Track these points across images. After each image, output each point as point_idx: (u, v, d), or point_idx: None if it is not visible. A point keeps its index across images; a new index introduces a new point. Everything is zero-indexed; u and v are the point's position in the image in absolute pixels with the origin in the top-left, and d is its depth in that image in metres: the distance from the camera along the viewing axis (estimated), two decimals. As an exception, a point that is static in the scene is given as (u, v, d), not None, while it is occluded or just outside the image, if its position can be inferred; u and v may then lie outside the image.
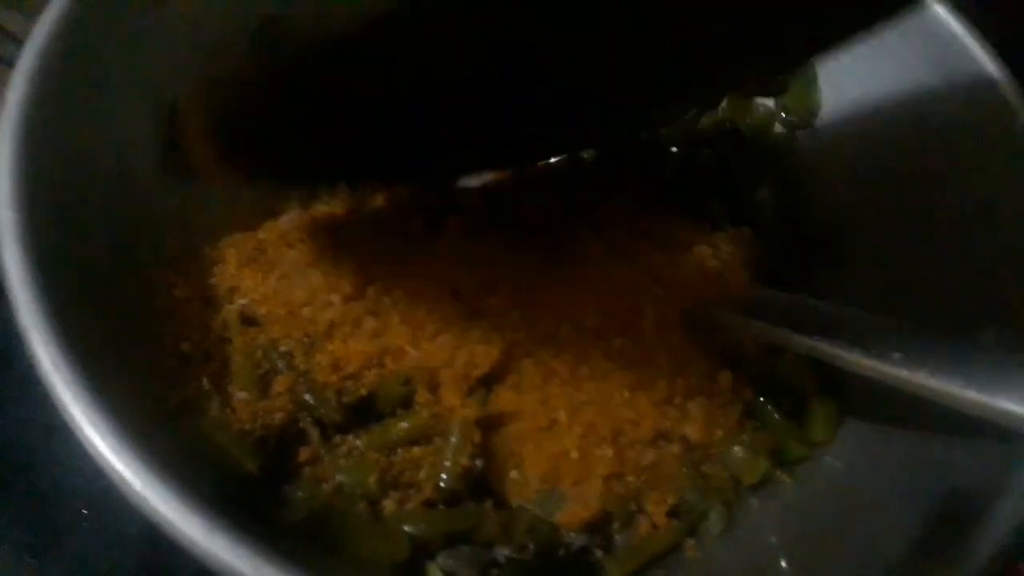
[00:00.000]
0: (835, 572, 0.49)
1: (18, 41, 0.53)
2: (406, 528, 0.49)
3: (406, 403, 0.53)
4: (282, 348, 0.52)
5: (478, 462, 0.52)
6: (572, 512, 0.52)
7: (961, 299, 0.56)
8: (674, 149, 0.72)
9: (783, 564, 0.52)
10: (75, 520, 0.64)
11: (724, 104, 0.74)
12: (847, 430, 0.58)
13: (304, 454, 0.51)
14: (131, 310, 0.50)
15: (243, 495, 0.45)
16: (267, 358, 0.52)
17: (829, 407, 0.59)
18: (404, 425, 0.52)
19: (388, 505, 0.50)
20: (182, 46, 0.57)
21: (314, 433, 0.51)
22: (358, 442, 0.52)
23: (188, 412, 0.48)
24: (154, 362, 0.49)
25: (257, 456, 0.48)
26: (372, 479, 0.50)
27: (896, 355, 0.45)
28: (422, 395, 0.53)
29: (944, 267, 0.59)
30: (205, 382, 0.50)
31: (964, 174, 0.59)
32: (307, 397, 0.51)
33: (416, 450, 0.52)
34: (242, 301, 0.53)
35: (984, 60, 0.59)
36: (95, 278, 0.47)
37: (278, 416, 0.50)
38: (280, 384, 0.51)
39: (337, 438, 0.52)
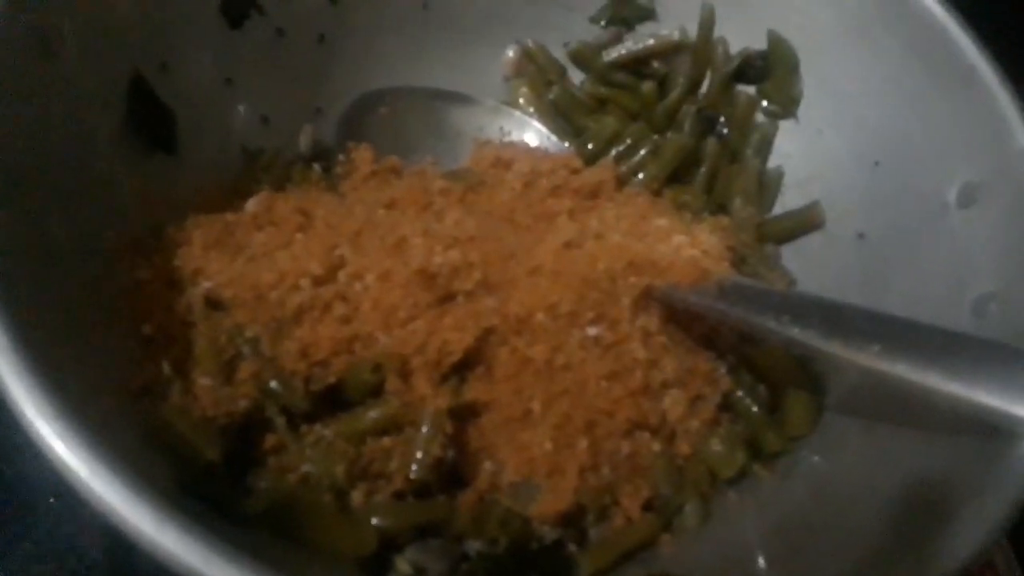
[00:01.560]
0: (812, 566, 0.48)
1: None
2: (374, 520, 0.48)
3: (376, 391, 0.51)
4: (248, 333, 0.50)
5: (450, 453, 0.50)
6: (546, 504, 0.51)
7: (942, 285, 0.55)
8: (655, 136, 0.71)
9: (760, 559, 0.52)
10: (43, 509, 0.63)
11: (705, 91, 0.73)
12: (825, 424, 0.58)
13: (269, 442, 0.49)
14: (91, 292, 0.48)
15: (203, 484, 0.43)
16: (232, 343, 0.50)
17: (807, 400, 0.58)
18: (374, 414, 0.51)
19: (356, 496, 0.49)
20: (145, 15, 0.55)
21: (280, 421, 0.49)
22: (326, 431, 0.50)
23: (148, 397, 0.46)
24: (114, 346, 0.47)
25: (219, 444, 0.46)
26: (340, 469, 0.48)
27: (875, 347, 0.44)
28: (393, 383, 0.51)
29: (925, 254, 0.58)
30: (166, 367, 0.48)
31: (946, 160, 0.58)
32: (273, 384, 0.49)
33: (386, 440, 0.50)
34: (207, 284, 0.51)
35: (968, 48, 0.58)
36: (52, 259, 0.45)
37: (242, 403, 0.48)
38: (245, 370, 0.49)
39: (304, 427, 0.50)
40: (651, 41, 0.72)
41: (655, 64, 0.73)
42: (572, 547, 0.52)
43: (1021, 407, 0.39)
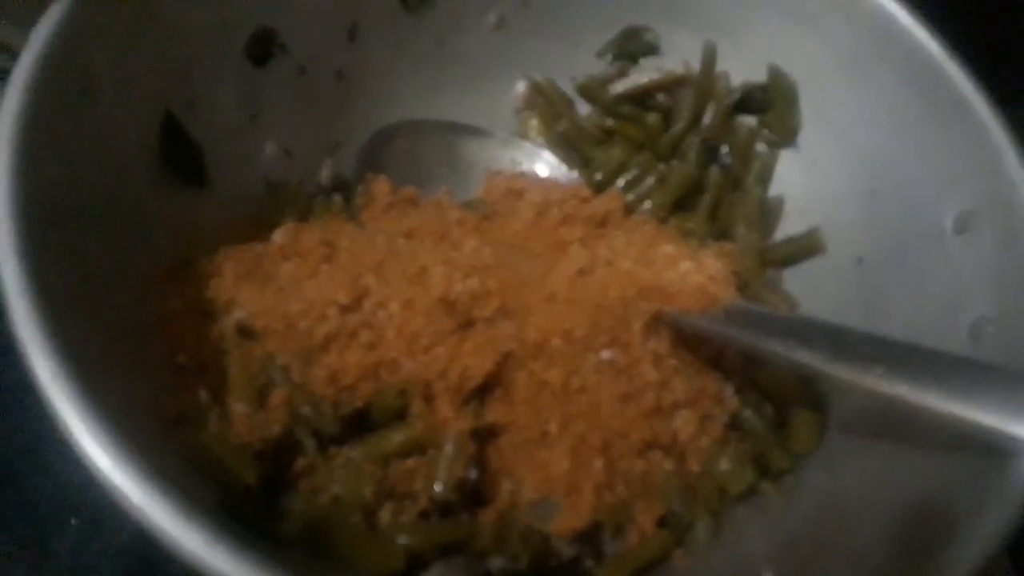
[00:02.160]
0: (822, 578, 0.49)
1: (12, 52, 0.53)
2: (401, 539, 0.50)
3: (401, 414, 0.54)
4: (279, 361, 0.53)
5: (472, 473, 0.52)
6: (564, 522, 0.53)
7: (940, 309, 0.58)
8: (661, 166, 0.74)
9: (768, 573, 0.54)
10: (64, 530, 0.64)
11: (708, 122, 0.75)
12: (830, 441, 0.60)
13: (300, 464, 0.51)
14: (128, 322, 0.50)
15: (241, 507, 0.44)
16: (264, 371, 0.52)
17: (812, 418, 0.60)
18: (399, 436, 0.53)
19: (383, 516, 0.51)
20: (174, 56, 0.58)
21: (310, 444, 0.51)
22: (354, 453, 0.52)
23: (186, 424, 0.48)
24: (151, 374, 0.49)
25: (255, 468, 0.48)
26: (368, 490, 0.50)
27: (878, 369, 0.46)
28: (417, 406, 0.53)
29: (923, 279, 0.60)
30: (203, 394, 0.50)
31: (942, 188, 0.60)
32: (304, 409, 0.52)
33: (411, 461, 0.53)
34: (239, 314, 0.54)
35: (961, 81, 0.60)
36: (92, 289, 0.47)
37: (275, 428, 0.51)
38: (277, 396, 0.51)
39: (333, 449, 0.53)
40: (655, 75, 0.75)
41: (659, 97, 0.76)
42: (589, 563, 0.54)
43: (1016, 426, 0.41)
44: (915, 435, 0.52)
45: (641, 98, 0.76)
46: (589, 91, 0.77)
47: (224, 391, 0.51)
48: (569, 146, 0.76)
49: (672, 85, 0.75)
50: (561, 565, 0.53)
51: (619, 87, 0.76)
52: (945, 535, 0.43)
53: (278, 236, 0.59)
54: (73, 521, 0.64)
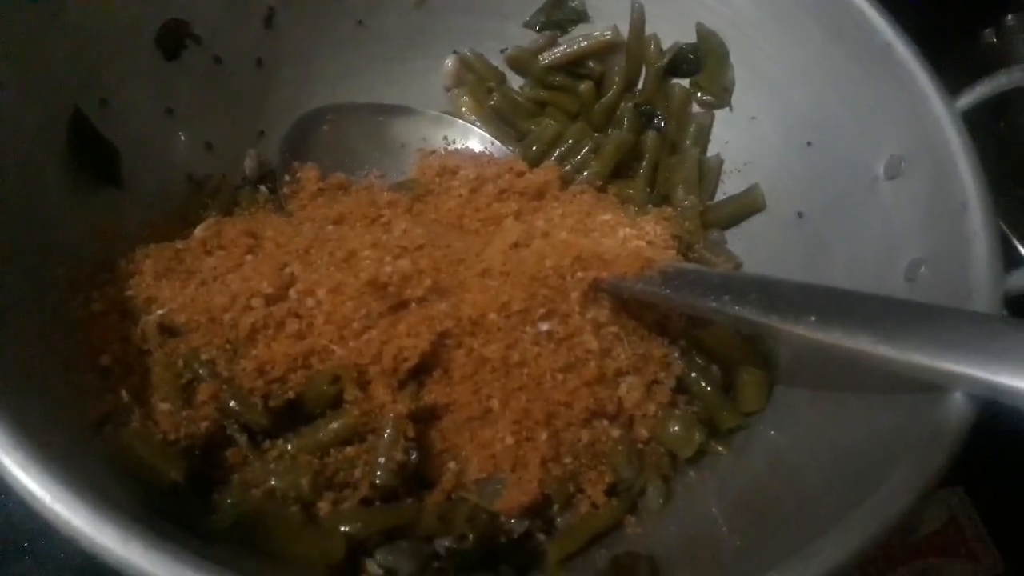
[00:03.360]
0: (772, 533, 0.49)
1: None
2: (342, 528, 0.49)
3: (336, 403, 0.52)
4: (204, 356, 0.51)
5: (413, 456, 0.51)
6: (511, 498, 0.52)
7: (877, 254, 0.58)
8: (596, 135, 0.73)
9: (723, 531, 0.53)
10: (17, 554, 0.63)
11: (641, 87, 0.75)
12: (777, 399, 0.60)
13: (232, 458, 0.50)
14: (46, 326, 0.49)
15: (169, 504, 0.44)
16: (189, 367, 0.51)
17: (758, 377, 0.60)
18: (334, 425, 0.52)
19: (323, 506, 0.50)
20: (80, 53, 0.56)
21: (242, 439, 0.50)
22: (288, 446, 0.51)
23: (110, 425, 0.47)
24: (72, 377, 0.48)
25: (182, 465, 0.47)
26: (305, 481, 0.49)
27: (811, 317, 0.46)
28: (351, 393, 0.52)
29: (860, 226, 0.60)
30: (125, 395, 0.49)
31: (873, 135, 0.60)
32: (232, 404, 0.50)
33: (349, 450, 0.52)
34: (160, 311, 0.52)
35: (883, 27, 0.60)
36: (5, 296, 0.46)
37: (203, 425, 0.49)
38: (204, 392, 0.50)
39: (267, 443, 0.51)
40: (584, 42, 0.74)
41: (591, 64, 0.75)
42: (540, 536, 0.53)
43: (946, 362, 0.41)
44: (854, 385, 0.52)
45: (573, 67, 0.75)
46: (519, 62, 0.76)
47: (149, 390, 0.50)
48: (502, 120, 0.75)
49: (602, 51, 0.74)
50: (512, 541, 0.52)
51: (549, 57, 0.75)
52: (885, 474, 0.42)
53: (200, 231, 0.57)
54: (26, 544, 0.63)
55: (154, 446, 0.47)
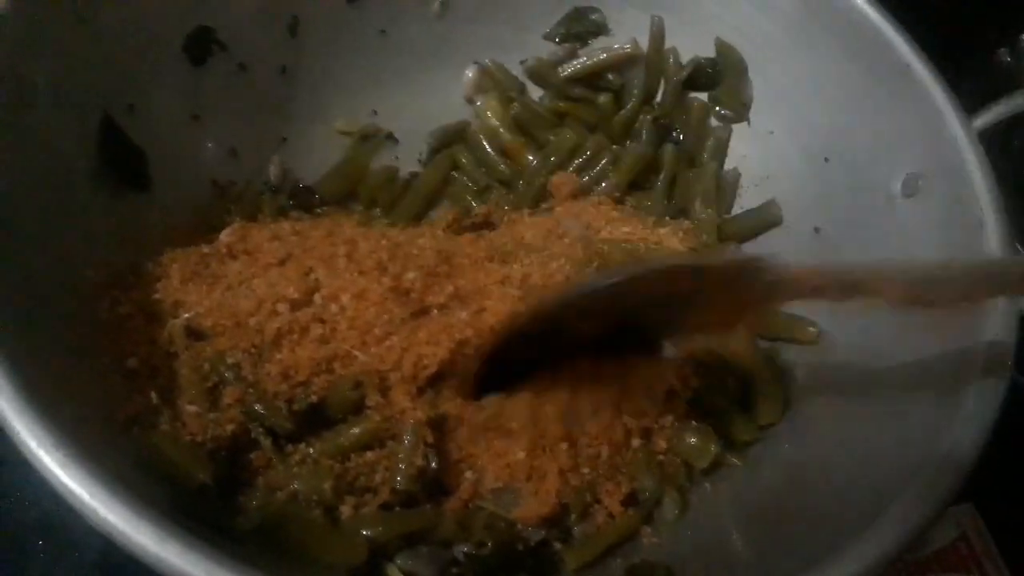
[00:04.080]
0: (785, 547, 0.50)
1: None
2: (364, 531, 0.49)
3: (357, 408, 0.53)
4: (230, 360, 0.52)
5: (433, 463, 0.52)
6: (529, 508, 0.53)
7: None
8: (614, 147, 0.74)
9: (736, 544, 0.54)
10: (31, 552, 0.63)
11: (660, 100, 0.75)
12: (793, 413, 0.60)
13: (257, 461, 0.51)
14: (75, 328, 0.49)
15: (197, 505, 0.44)
16: (215, 370, 0.52)
17: (774, 391, 0.60)
18: (356, 430, 0.52)
19: (345, 510, 0.50)
20: (110, 59, 0.57)
21: (266, 443, 0.51)
22: (311, 450, 0.52)
23: (138, 426, 0.48)
24: (101, 378, 0.49)
25: (209, 467, 0.47)
26: (327, 485, 0.50)
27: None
28: (373, 398, 0.53)
29: (877, 243, 0.61)
30: (154, 396, 0.49)
31: (890, 153, 0.61)
32: (257, 407, 0.51)
33: (370, 455, 0.52)
34: (187, 315, 0.53)
35: (902, 47, 0.61)
36: (37, 298, 0.46)
37: (229, 427, 0.50)
38: (230, 395, 0.51)
39: (290, 447, 0.52)
40: (604, 55, 0.75)
41: (610, 76, 0.75)
42: (557, 545, 0.54)
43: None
44: (870, 402, 0.53)
45: (592, 79, 0.76)
46: (539, 74, 0.77)
47: (176, 393, 0.50)
48: (522, 130, 0.75)
49: (622, 64, 0.75)
50: (528, 549, 0.53)
51: (569, 68, 0.75)
52: (898, 492, 0.43)
53: (225, 235, 0.58)
54: (41, 542, 0.63)
55: (182, 448, 0.48)
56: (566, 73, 0.76)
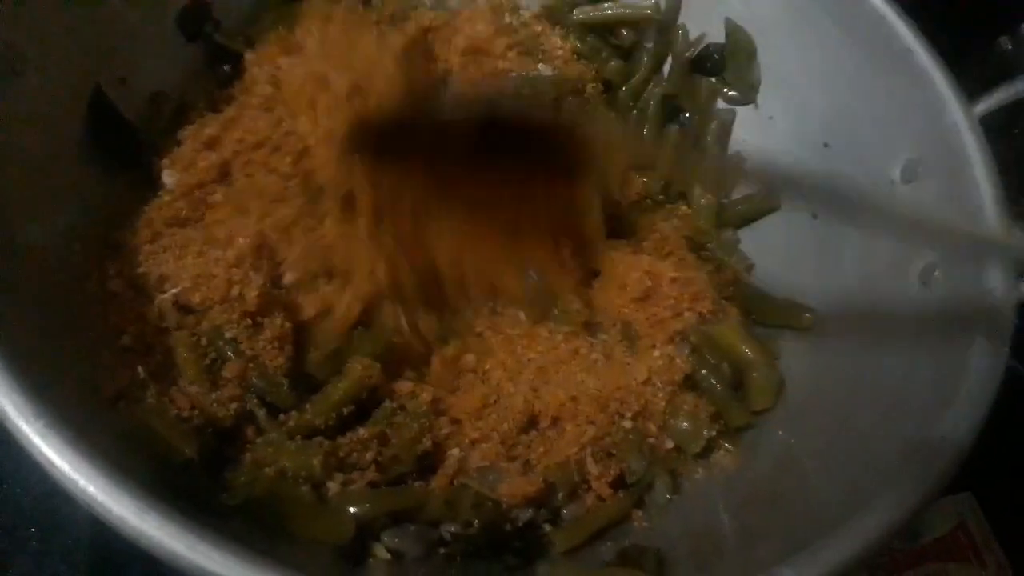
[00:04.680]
0: (778, 532, 0.49)
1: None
2: (351, 508, 0.49)
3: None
4: (228, 334, 0.52)
5: (427, 442, 0.52)
6: (515, 486, 0.52)
7: (891, 257, 0.58)
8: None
9: (727, 529, 0.53)
10: (23, 541, 0.63)
11: (667, 76, 0.75)
12: (788, 399, 0.59)
13: (246, 435, 0.51)
14: (63, 303, 0.49)
15: (182, 480, 0.44)
16: (213, 345, 0.51)
17: (769, 376, 0.60)
18: (343, 384, 0.52)
19: (332, 487, 0.50)
20: (102, 33, 0.57)
21: (260, 413, 0.51)
22: (306, 415, 0.52)
23: (124, 401, 0.47)
24: (88, 353, 0.48)
25: (195, 442, 0.47)
26: (316, 461, 0.49)
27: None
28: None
29: (874, 229, 0.60)
30: (140, 371, 0.49)
31: (890, 138, 0.60)
32: (258, 382, 0.51)
33: (362, 431, 0.52)
34: (174, 290, 0.53)
35: (903, 32, 0.60)
36: (24, 272, 0.46)
37: (232, 406, 0.50)
38: (230, 371, 0.51)
39: (282, 416, 0.52)
40: (622, 9, 0.74)
41: (624, 32, 0.75)
42: (546, 527, 0.53)
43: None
44: (864, 388, 0.53)
45: (606, 31, 0.75)
46: (555, 12, 0.75)
47: (174, 372, 0.50)
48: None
49: (638, 23, 0.74)
50: (516, 529, 0.52)
51: (582, 14, 0.74)
52: (890, 479, 0.43)
53: (167, 178, 0.58)
54: (33, 529, 0.63)
55: (169, 422, 0.47)
56: (580, 17, 0.75)
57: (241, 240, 0.54)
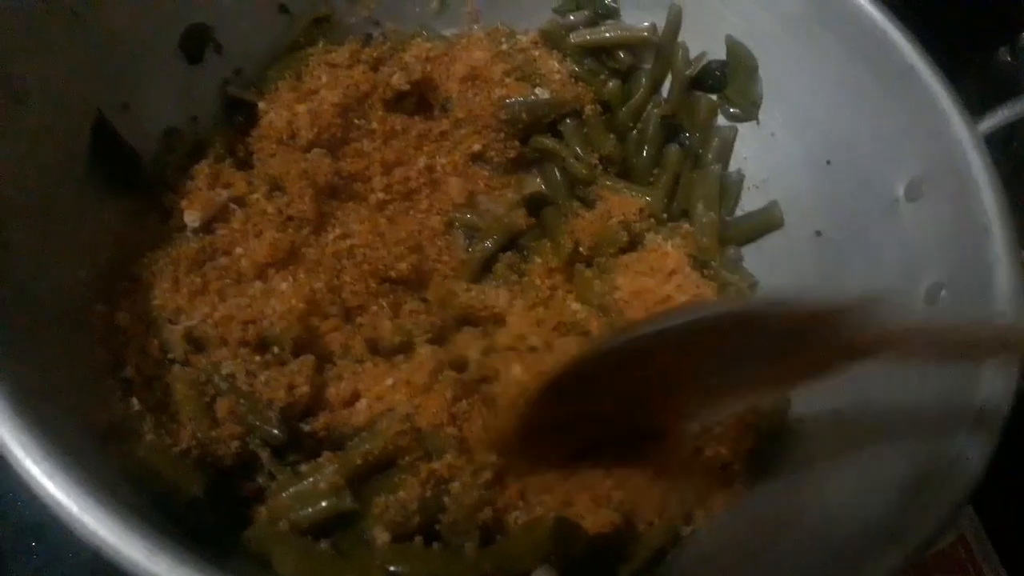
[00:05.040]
0: (787, 559, 0.48)
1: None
2: (391, 568, 0.46)
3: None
4: (224, 371, 0.51)
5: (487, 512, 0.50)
6: (600, 519, 0.52)
7: (896, 276, 0.58)
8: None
9: (740, 554, 0.52)
10: (25, 553, 0.63)
11: (667, 95, 0.75)
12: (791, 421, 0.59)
13: (250, 489, 0.50)
14: (66, 334, 0.48)
15: (191, 518, 0.43)
16: (210, 382, 0.51)
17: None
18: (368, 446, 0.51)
19: (379, 536, 0.48)
20: (104, 58, 0.56)
21: (264, 453, 0.50)
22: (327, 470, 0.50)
23: (119, 437, 0.46)
24: (94, 385, 0.48)
25: (201, 479, 0.47)
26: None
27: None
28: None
29: (879, 248, 0.60)
30: (136, 403, 0.48)
31: (894, 156, 0.60)
32: (250, 418, 0.50)
33: (402, 494, 0.49)
34: (189, 322, 0.53)
35: (906, 48, 0.60)
36: (33, 301, 0.46)
37: (233, 445, 0.49)
38: (223, 408, 0.50)
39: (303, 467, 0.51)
40: (619, 31, 0.74)
41: (622, 55, 0.75)
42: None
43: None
44: (874, 416, 0.52)
45: (602, 54, 0.75)
46: (552, 36, 0.75)
47: (172, 406, 0.50)
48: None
49: (635, 45, 0.74)
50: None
51: (579, 38, 0.74)
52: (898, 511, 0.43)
53: (189, 220, 0.57)
54: (34, 543, 0.63)
55: (169, 459, 0.47)
56: (577, 40, 0.75)
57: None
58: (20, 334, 0.43)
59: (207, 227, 0.58)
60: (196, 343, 0.53)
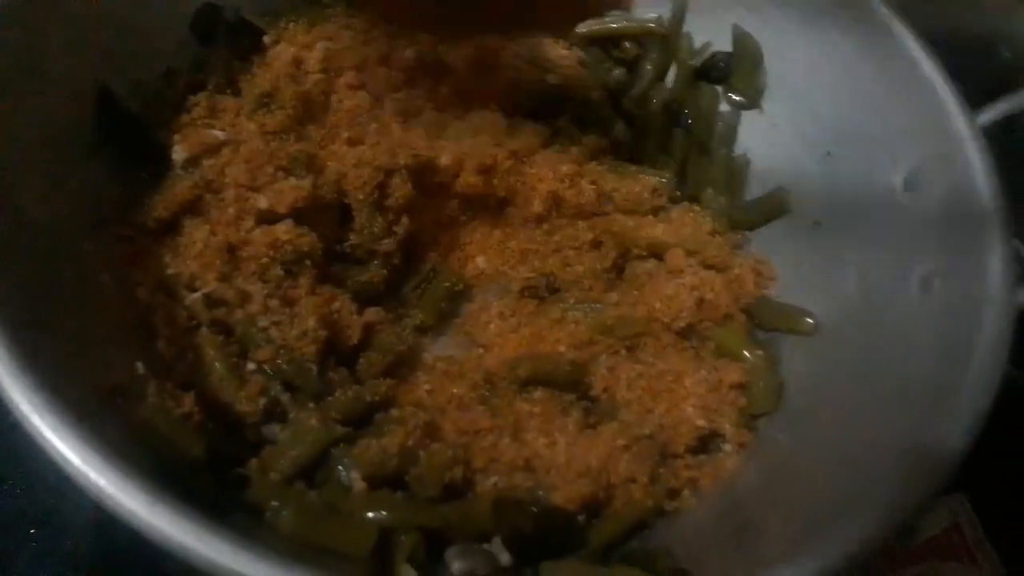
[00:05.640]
0: (778, 533, 0.50)
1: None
2: (369, 514, 0.48)
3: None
4: (260, 323, 0.53)
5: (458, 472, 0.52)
6: (570, 491, 0.52)
7: (891, 265, 0.58)
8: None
9: (728, 530, 0.53)
10: (23, 542, 0.63)
11: (672, 85, 0.75)
12: (786, 402, 0.60)
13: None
14: (75, 298, 0.50)
15: (191, 478, 0.44)
16: (246, 335, 0.53)
17: (769, 379, 0.60)
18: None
19: (356, 482, 0.49)
20: (119, 32, 0.58)
21: (285, 398, 0.52)
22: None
23: (121, 396, 0.47)
24: (97, 347, 0.49)
25: (202, 441, 0.47)
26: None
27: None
28: None
29: (876, 237, 0.61)
30: (140, 367, 0.49)
31: (893, 146, 0.61)
32: (286, 368, 0.52)
33: (386, 441, 0.51)
34: (206, 289, 0.54)
35: (910, 42, 0.61)
36: (38, 269, 0.47)
37: (261, 401, 0.51)
38: (261, 355, 0.52)
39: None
40: (625, 21, 0.75)
41: (627, 45, 0.75)
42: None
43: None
44: (866, 396, 0.54)
45: (609, 44, 0.76)
46: None
47: (204, 372, 0.51)
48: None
49: (641, 35, 0.75)
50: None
51: (585, 27, 0.75)
52: (886, 485, 0.44)
53: (176, 155, 0.58)
54: (33, 530, 0.63)
55: (173, 421, 0.47)
56: (583, 30, 0.75)
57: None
58: (30, 295, 0.44)
59: (195, 161, 0.59)
60: (218, 303, 0.54)
